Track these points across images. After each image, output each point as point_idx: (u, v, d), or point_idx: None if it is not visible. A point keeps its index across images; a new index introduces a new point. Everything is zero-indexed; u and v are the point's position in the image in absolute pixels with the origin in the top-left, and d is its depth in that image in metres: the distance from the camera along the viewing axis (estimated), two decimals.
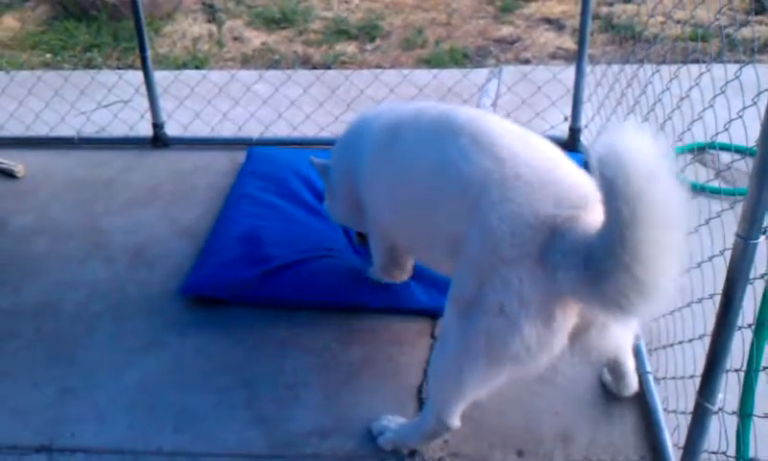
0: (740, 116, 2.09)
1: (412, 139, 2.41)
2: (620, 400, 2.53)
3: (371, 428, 2.44)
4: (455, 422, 2.26)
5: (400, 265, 2.87)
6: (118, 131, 4.18)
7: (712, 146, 3.56)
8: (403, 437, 2.37)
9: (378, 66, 5.06)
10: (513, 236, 1.96)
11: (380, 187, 2.56)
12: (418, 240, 2.52)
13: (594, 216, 1.89)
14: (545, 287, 1.93)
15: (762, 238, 1.79)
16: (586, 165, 3.52)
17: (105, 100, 4.39)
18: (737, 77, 2.11)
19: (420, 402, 2.55)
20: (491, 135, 2.17)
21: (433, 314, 2.84)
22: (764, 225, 1.78)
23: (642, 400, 2.51)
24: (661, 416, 2.43)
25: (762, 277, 1.86)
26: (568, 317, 1.97)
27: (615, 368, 2.49)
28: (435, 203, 2.25)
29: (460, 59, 5.15)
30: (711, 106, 2.33)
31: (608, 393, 2.56)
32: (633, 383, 2.52)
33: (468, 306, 2.07)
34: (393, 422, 2.43)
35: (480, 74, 4.70)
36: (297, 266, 3.02)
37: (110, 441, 2.49)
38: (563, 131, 3.89)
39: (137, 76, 4.12)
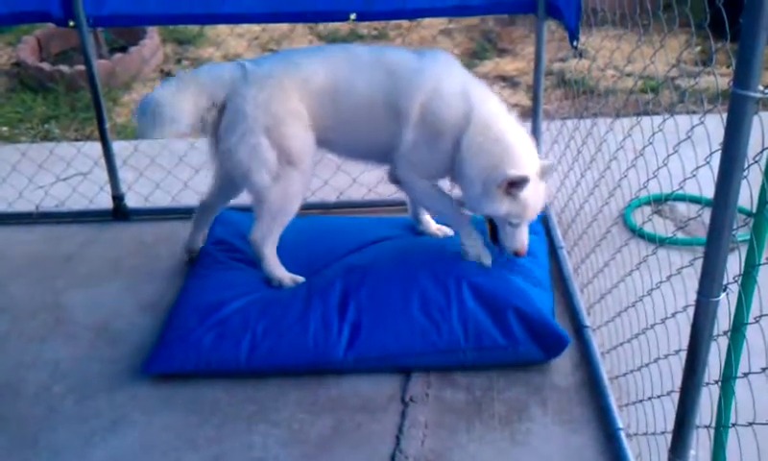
0: (694, 175, 2.14)
1: None
2: (594, 459, 2.53)
3: None
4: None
5: None
6: (78, 204, 4.14)
7: (668, 197, 3.63)
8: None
9: None
10: None
11: None
12: None
13: None
14: None
15: (723, 295, 1.83)
16: (544, 219, 3.67)
17: (63, 173, 4.36)
18: (689, 137, 2.17)
19: None
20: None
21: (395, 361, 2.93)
22: (724, 282, 1.82)
23: (615, 457, 2.52)
24: None
25: (725, 333, 1.89)
26: None
27: None
28: None
29: None
30: (665, 164, 2.39)
31: (581, 451, 2.56)
32: None
33: None
34: None
35: None
36: (261, 333, 2.98)
37: None
38: None
39: (96, 147, 4.09)
